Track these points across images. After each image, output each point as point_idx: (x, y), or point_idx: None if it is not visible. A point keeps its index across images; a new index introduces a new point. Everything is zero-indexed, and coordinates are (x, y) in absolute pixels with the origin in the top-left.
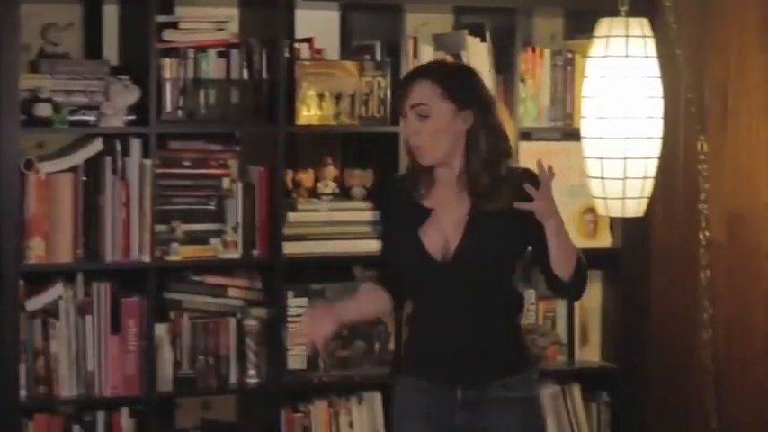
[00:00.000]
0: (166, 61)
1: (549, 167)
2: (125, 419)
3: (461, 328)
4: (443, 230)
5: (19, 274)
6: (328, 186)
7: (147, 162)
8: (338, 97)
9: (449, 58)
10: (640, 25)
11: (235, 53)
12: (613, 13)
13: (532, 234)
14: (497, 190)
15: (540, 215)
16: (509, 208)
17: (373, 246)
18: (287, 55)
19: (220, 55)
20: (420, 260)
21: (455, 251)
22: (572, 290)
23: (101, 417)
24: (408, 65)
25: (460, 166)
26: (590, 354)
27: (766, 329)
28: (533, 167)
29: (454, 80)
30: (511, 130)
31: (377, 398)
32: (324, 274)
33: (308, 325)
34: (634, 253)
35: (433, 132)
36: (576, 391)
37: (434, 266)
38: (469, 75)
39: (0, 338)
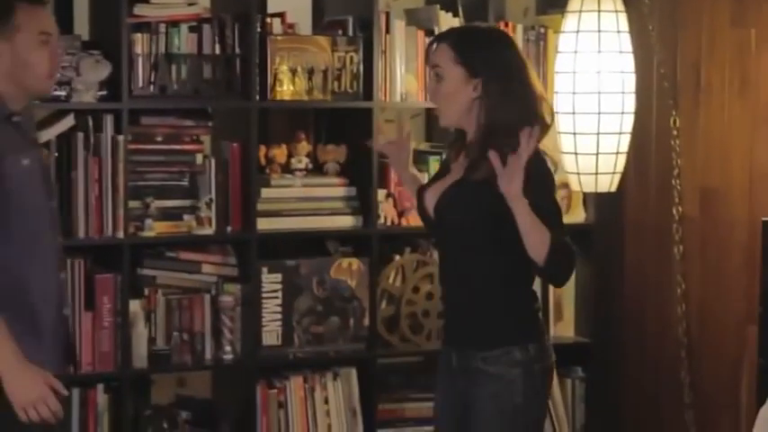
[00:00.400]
0: (138, 36)
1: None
2: (100, 396)
3: (454, 292)
4: (438, 192)
5: None
6: (302, 162)
7: (120, 138)
8: (311, 72)
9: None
10: (612, 0)
11: (207, 28)
12: None
13: (510, 212)
14: (480, 164)
15: (506, 195)
16: (487, 183)
17: (347, 221)
18: (259, 30)
19: (192, 30)
20: (421, 216)
21: (433, 210)
22: (547, 275)
23: (76, 393)
24: (381, 40)
25: (472, 133)
26: (564, 329)
27: (739, 304)
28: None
29: (470, 46)
30: (547, 104)
31: (352, 373)
32: (298, 250)
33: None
34: (607, 228)
35: (445, 95)
36: None
37: (429, 224)
38: (491, 42)
39: None
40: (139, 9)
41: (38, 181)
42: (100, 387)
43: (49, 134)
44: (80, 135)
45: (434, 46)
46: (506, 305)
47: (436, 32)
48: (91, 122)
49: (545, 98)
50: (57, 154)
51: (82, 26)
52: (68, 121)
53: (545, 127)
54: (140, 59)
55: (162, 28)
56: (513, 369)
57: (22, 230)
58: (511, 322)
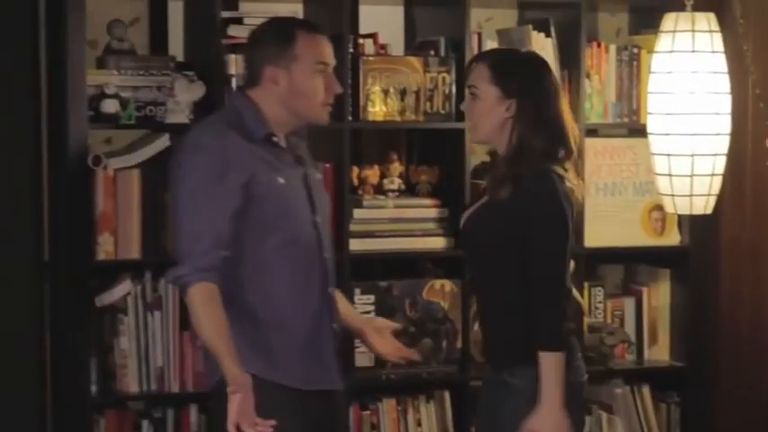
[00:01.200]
0: (231, 57)
1: None
2: (194, 415)
3: (483, 309)
4: (468, 213)
5: (88, 270)
6: (394, 183)
7: None
8: (403, 93)
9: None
10: (707, 20)
11: None
12: (679, 7)
13: (520, 247)
14: (504, 182)
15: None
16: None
17: (440, 242)
18: (351, 51)
19: None
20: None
21: (461, 230)
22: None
23: (170, 413)
24: None
25: (502, 152)
26: (659, 353)
27: None
28: (598, 164)
29: (505, 67)
30: (574, 132)
31: (445, 396)
32: (390, 271)
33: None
34: (702, 250)
35: (479, 113)
36: (646, 391)
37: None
38: (527, 66)
39: (70, 334)
40: (233, 30)
41: (294, 198)
42: (194, 407)
43: (144, 154)
44: None
45: (471, 67)
46: (528, 324)
47: None
48: None
49: (573, 127)
50: (152, 174)
51: (176, 47)
52: (163, 141)
53: (569, 154)
54: (234, 80)
55: None
56: (533, 383)
57: (271, 247)
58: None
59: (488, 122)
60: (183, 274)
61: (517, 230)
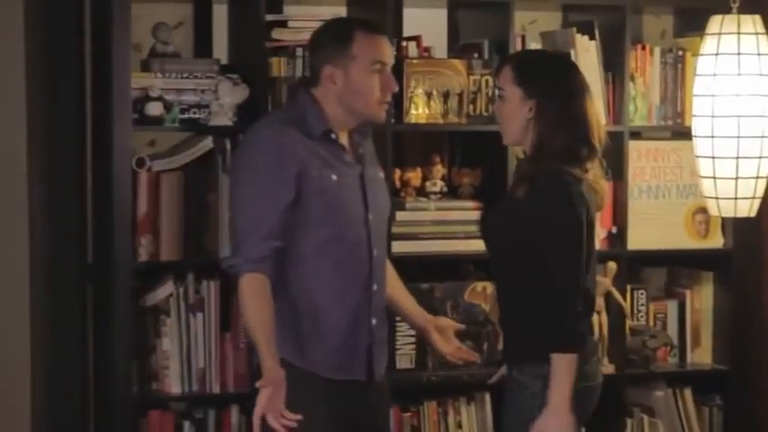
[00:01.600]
0: (275, 60)
1: None
2: (235, 416)
3: (500, 307)
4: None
5: (131, 271)
6: (436, 185)
7: None
8: (446, 96)
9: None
10: (753, 22)
11: None
12: (725, 9)
13: (534, 248)
14: (521, 182)
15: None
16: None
17: (481, 245)
18: (395, 53)
19: None
20: None
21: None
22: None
23: (211, 414)
24: None
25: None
26: (702, 356)
27: None
28: (642, 166)
29: (528, 68)
30: (599, 132)
31: (486, 398)
32: (432, 274)
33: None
34: (746, 254)
35: (506, 114)
36: (688, 394)
37: None
38: (549, 66)
39: (114, 335)
40: (277, 33)
41: (347, 196)
42: (235, 408)
43: (187, 156)
44: (218, 157)
45: (499, 70)
46: (540, 323)
47: (572, 56)
48: (228, 145)
49: (599, 127)
50: (195, 176)
51: (220, 50)
52: (207, 144)
53: (593, 153)
54: (277, 83)
55: (299, 52)
56: (537, 382)
57: (318, 240)
58: (544, 339)
59: (514, 124)
60: (236, 263)
61: (530, 231)
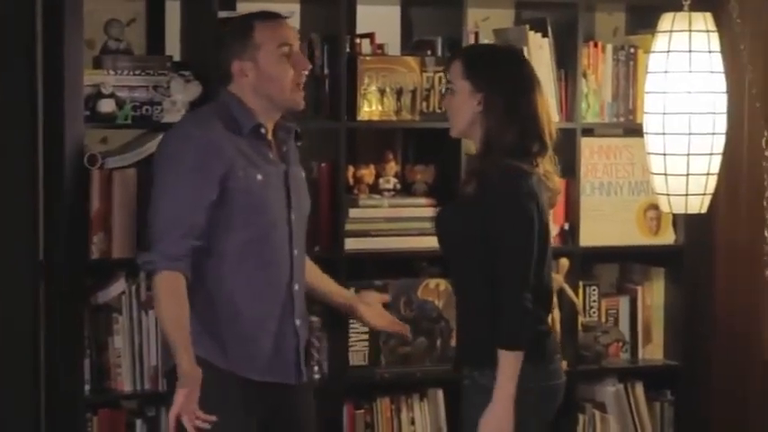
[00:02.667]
0: None
1: None
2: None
3: (457, 308)
4: None
5: (82, 269)
6: (390, 182)
7: None
8: (399, 93)
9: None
10: (704, 20)
11: None
12: (676, 7)
13: (485, 246)
14: (471, 178)
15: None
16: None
17: (434, 242)
18: (348, 50)
19: None
20: None
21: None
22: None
23: (163, 412)
24: None
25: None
26: (653, 352)
27: None
28: (594, 163)
29: (477, 62)
30: (550, 127)
31: (439, 394)
32: (385, 271)
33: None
34: (697, 250)
35: (455, 107)
36: (640, 389)
37: None
38: (498, 60)
39: (65, 333)
40: None
41: (271, 195)
42: None
43: (140, 154)
44: None
45: (449, 64)
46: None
47: (525, 53)
48: None
49: (551, 121)
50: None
51: (173, 47)
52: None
53: (543, 149)
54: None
55: None
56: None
57: (241, 240)
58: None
59: (462, 117)
60: (152, 261)
61: (481, 228)
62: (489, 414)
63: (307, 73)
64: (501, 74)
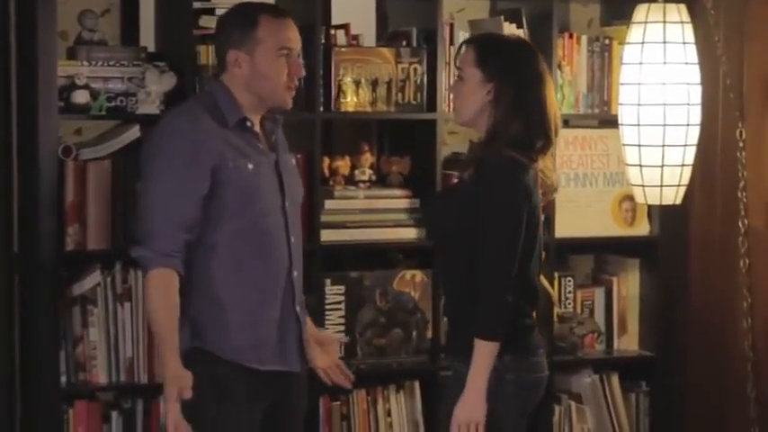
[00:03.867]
0: (203, 47)
1: None
2: (163, 406)
3: (444, 297)
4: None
5: (57, 260)
6: (365, 174)
7: None
8: (374, 84)
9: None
10: (678, 11)
11: None
12: None
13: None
14: (469, 165)
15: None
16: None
17: (411, 233)
18: (323, 41)
19: None
20: None
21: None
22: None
23: (139, 404)
24: (444, 51)
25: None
26: (628, 343)
27: None
28: (569, 154)
29: (490, 51)
30: (556, 122)
31: (415, 386)
32: (361, 262)
33: None
34: (672, 241)
35: (464, 95)
36: (615, 380)
37: None
38: (510, 52)
39: (40, 325)
40: (205, 21)
41: (263, 184)
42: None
43: (114, 145)
44: None
45: (460, 51)
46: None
47: None
48: None
49: (557, 116)
50: (122, 165)
51: (148, 38)
52: (134, 132)
53: (547, 145)
54: (205, 71)
55: None
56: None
57: (239, 230)
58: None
59: (470, 105)
60: (146, 256)
61: (472, 218)
62: (461, 403)
63: (300, 79)
64: (513, 64)
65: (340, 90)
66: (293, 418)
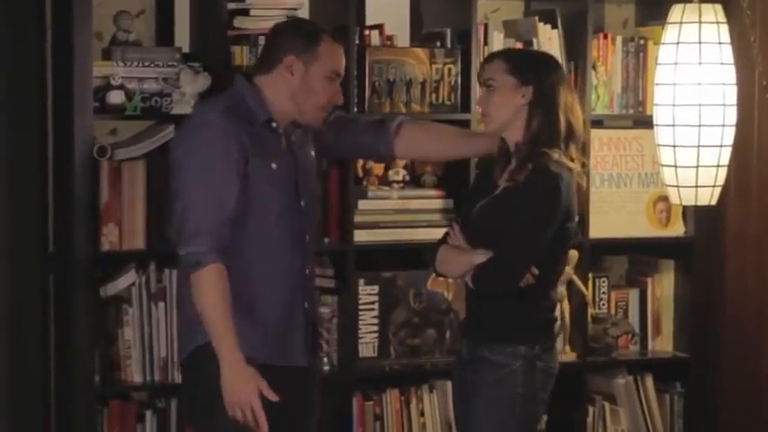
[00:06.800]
0: (237, 48)
1: None
2: None
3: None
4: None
5: (92, 261)
6: (399, 174)
7: None
8: (409, 84)
9: (520, 45)
10: (714, 11)
11: None
12: None
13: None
14: (522, 168)
15: None
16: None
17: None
18: (357, 42)
19: None
20: None
21: (472, 216)
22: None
23: (173, 403)
24: (479, 52)
25: (517, 140)
26: (663, 344)
27: None
28: (604, 155)
29: (521, 59)
30: (579, 131)
31: (448, 386)
32: (395, 262)
33: None
34: (707, 242)
35: (496, 102)
36: (649, 381)
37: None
38: (540, 61)
39: (75, 325)
40: (239, 21)
41: (283, 184)
42: None
43: (149, 145)
44: None
45: (486, 65)
46: (516, 310)
47: (535, 45)
48: None
49: (581, 118)
50: (157, 164)
51: (182, 38)
52: (169, 132)
53: (578, 143)
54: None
55: (261, 40)
56: (517, 361)
57: (257, 227)
58: (521, 325)
59: (504, 110)
60: (198, 252)
61: (514, 215)
62: None
63: (337, 105)
64: (545, 68)
65: (374, 90)
66: (305, 416)
